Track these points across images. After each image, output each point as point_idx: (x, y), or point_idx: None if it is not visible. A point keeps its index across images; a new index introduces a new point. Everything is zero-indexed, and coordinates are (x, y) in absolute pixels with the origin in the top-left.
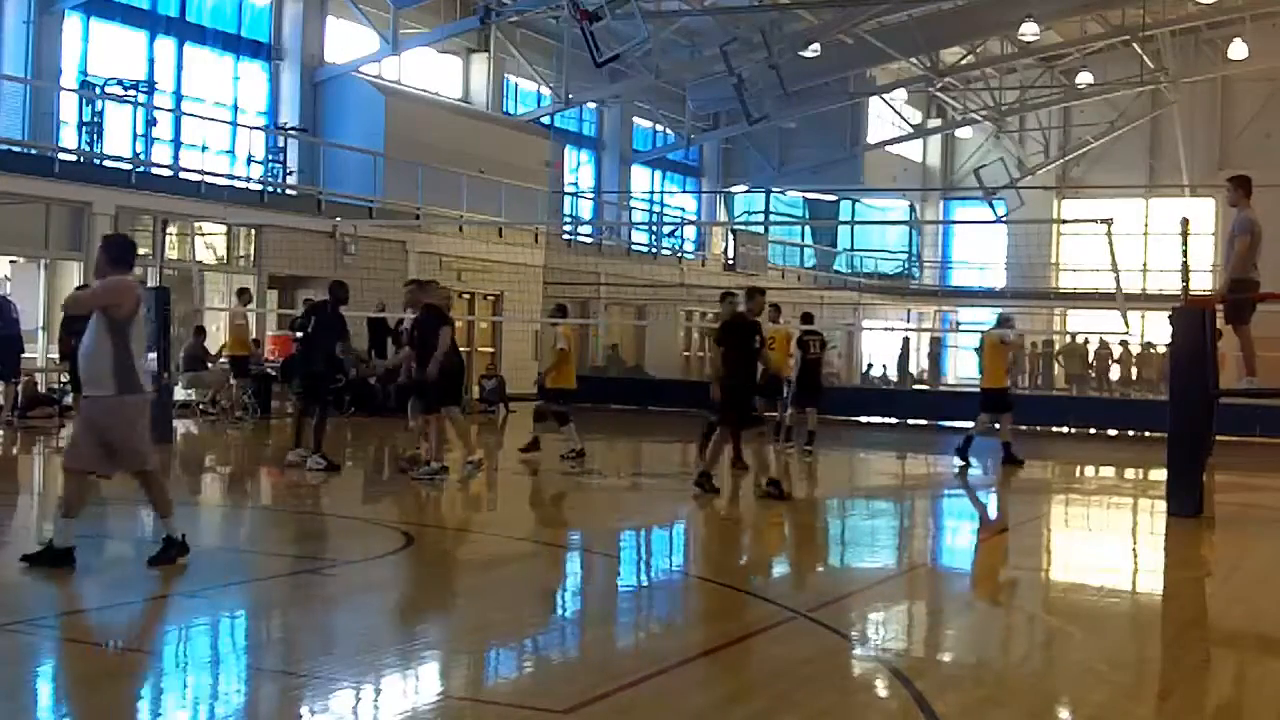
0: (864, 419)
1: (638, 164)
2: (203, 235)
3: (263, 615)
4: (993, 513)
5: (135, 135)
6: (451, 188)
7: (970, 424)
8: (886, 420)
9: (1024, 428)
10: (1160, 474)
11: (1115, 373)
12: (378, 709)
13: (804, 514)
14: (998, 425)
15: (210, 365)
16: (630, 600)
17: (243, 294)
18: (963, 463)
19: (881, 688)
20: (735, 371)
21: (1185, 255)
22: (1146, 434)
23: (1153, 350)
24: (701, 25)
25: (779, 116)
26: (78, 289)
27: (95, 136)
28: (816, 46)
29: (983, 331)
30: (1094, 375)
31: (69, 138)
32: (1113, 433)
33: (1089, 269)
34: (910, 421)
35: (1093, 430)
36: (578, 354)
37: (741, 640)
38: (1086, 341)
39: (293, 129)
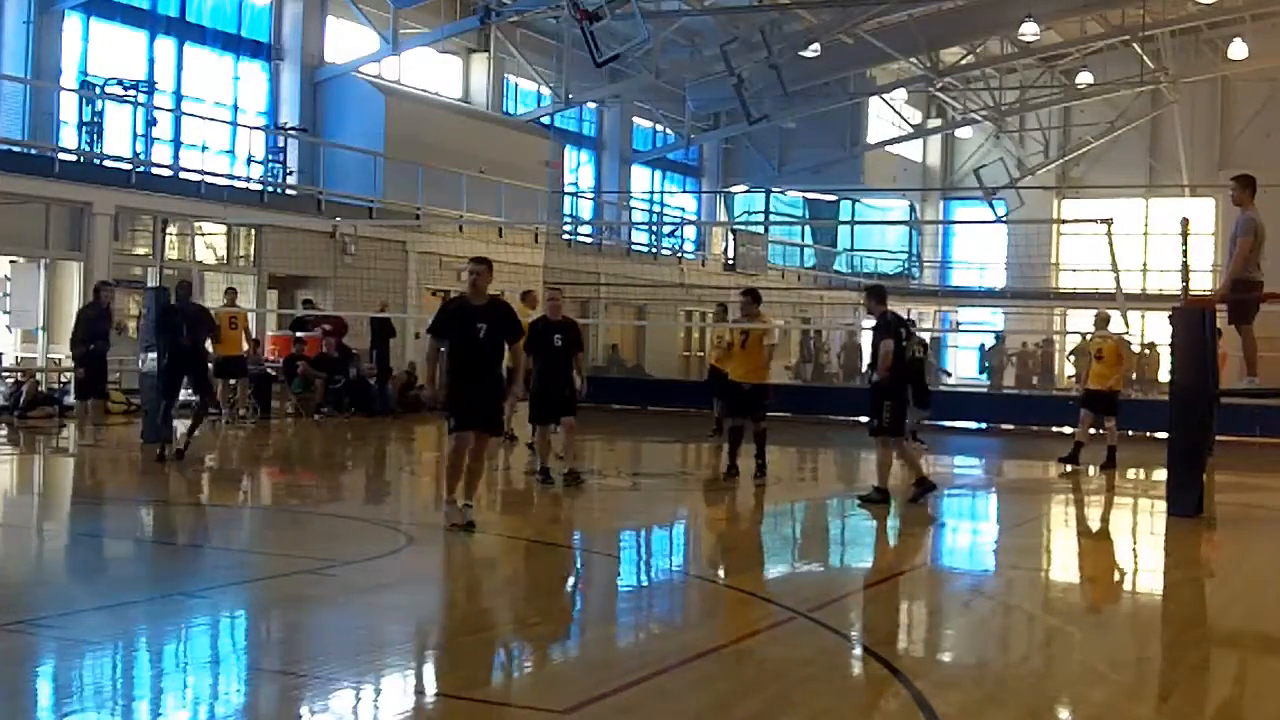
0: (864, 419)
1: (637, 164)
2: (203, 235)
3: (262, 615)
4: (993, 512)
5: (135, 135)
6: (451, 188)
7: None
8: None
9: (1014, 428)
10: (1161, 474)
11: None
12: (377, 709)
13: (804, 513)
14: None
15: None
16: (630, 600)
17: (229, 293)
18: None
19: (881, 688)
20: None
21: (1185, 255)
22: (1148, 434)
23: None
24: (701, 25)
25: (779, 116)
26: None
27: (95, 136)
28: (816, 46)
29: (1101, 335)
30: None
31: (69, 138)
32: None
33: (1089, 269)
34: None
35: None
36: None
37: (741, 640)
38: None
39: (293, 129)
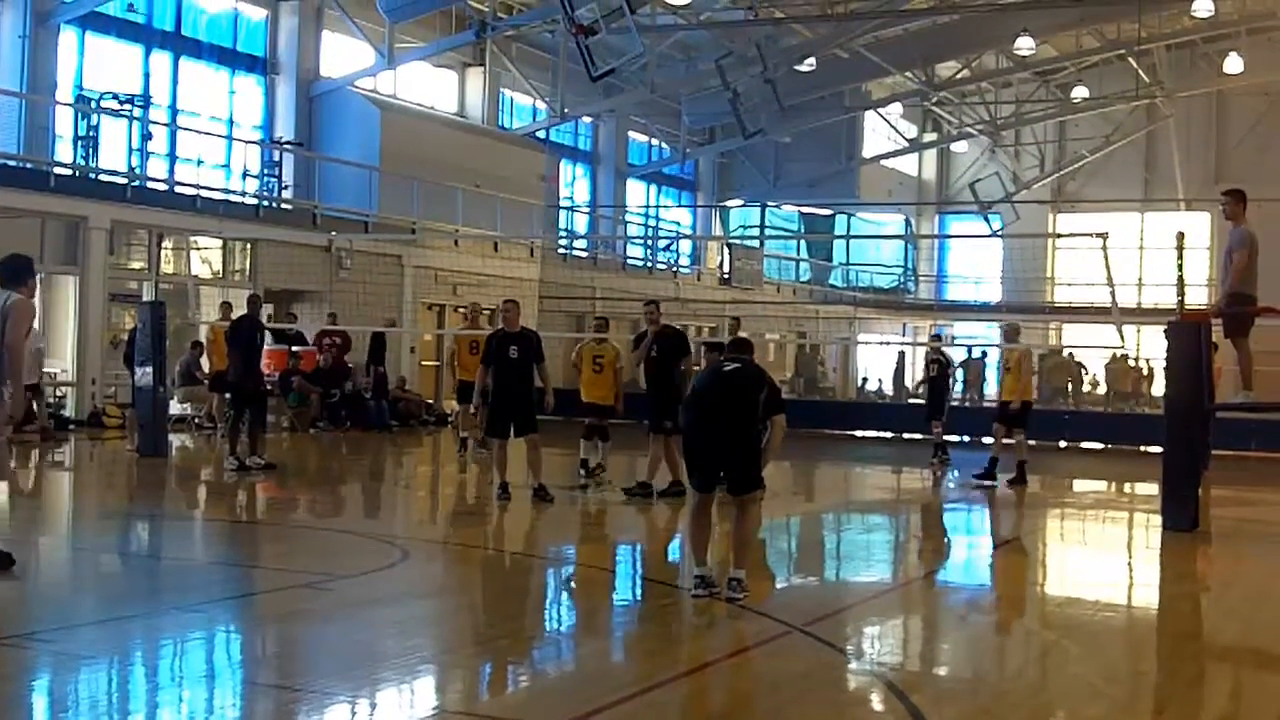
0: (859, 433)
1: (633, 178)
2: (198, 249)
3: (258, 630)
4: (988, 527)
5: (131, 149)
6: (447, 201)
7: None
8: (882, 434)
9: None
10: (1156, 488)
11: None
12: None
13: (800, 528)
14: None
15: (205, 381)
16: (624, 614)
17: (224, 308)
18: (990, 483)
19: (877, 702)
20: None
21: (1180, 269)
22: (1142, 449)
23: (1135, 363)
24: (697, 39)
25: (774, 131)
26: None
27: (91, 151)
28: (812, 61)
29: (1010, 348)
30: (1076, 389)
31: (64, 152)
32: (1102, 446)
33: (1084, 283)
34: (906, 435)
35: (1087, 445)
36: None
37: (737, 654)
38: (1072, 356)
39: (288, 143)
